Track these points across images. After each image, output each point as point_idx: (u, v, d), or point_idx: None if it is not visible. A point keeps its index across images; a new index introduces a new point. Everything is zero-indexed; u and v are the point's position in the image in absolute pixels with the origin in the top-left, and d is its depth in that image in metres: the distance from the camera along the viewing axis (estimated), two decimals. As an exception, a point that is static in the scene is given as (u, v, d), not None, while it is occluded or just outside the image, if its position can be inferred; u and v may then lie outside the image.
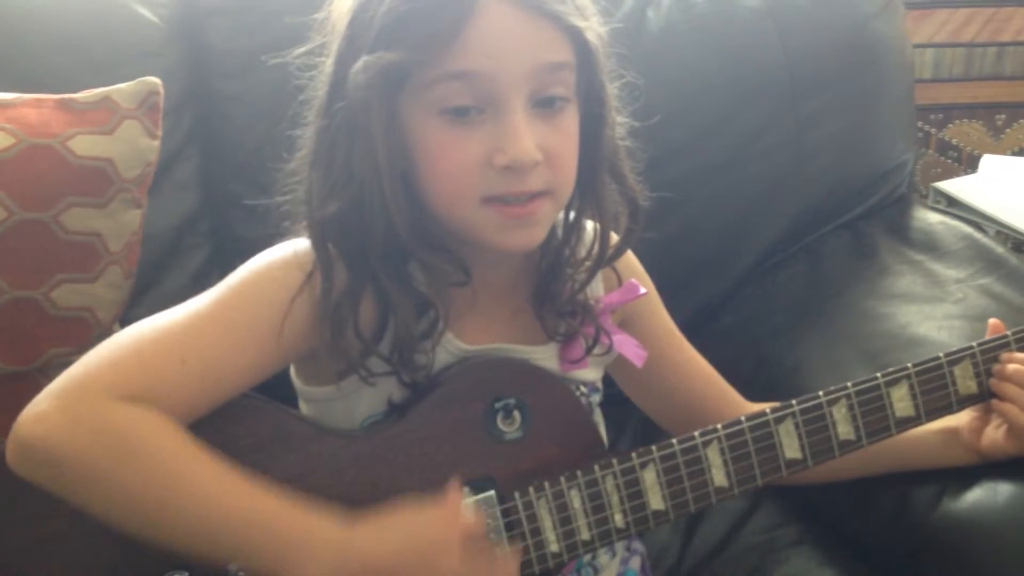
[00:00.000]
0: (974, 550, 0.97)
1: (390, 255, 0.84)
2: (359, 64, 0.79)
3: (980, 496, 0.98)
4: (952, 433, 0.99)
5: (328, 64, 0.84)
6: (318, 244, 0.84)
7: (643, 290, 0.96)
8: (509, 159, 0.79)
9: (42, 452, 0.75)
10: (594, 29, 0.83)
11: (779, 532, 1.19)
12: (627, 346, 0.94)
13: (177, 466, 0.76)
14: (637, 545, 1.02)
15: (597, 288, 0.96)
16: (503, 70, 0.79)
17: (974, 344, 0.97)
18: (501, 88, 0.79)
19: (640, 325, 0.99)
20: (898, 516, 1.04)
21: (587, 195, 0.89)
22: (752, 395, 1.06)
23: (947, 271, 1.33)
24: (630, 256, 0.98)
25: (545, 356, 0.92)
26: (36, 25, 1.22)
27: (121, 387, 0.76)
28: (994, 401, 0.96)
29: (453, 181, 0.81)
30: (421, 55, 0.78)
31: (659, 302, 1.03)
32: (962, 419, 0.99)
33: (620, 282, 0.96)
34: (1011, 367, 0.95)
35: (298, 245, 0.85)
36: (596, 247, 0.91)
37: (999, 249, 1.35)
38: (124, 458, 0.75)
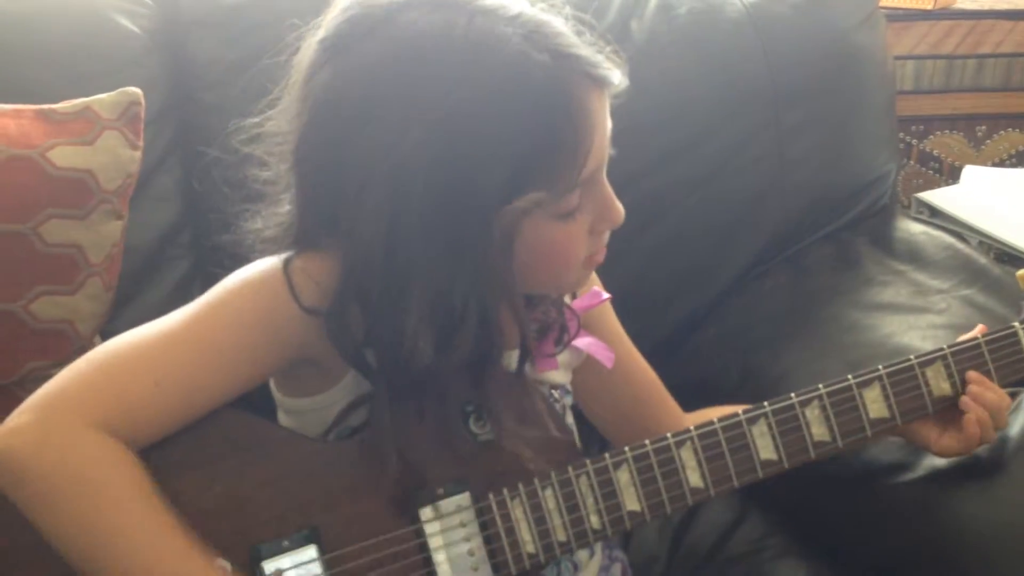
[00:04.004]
0: (964, 559, 0.97)
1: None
2: (509, 208, 0.79)
3: (969, 505, 0.98)
4: None
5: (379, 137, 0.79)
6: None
7: (606, 295, 0.98)
8: (613, 225, 0.86)
9: (8, 464, 0.77)
10: None
11: (766, 543, 1.19)
12: (596, 347, 0.95)
13: (124, 511, 0.77)
14: (618, 553, 1.02)
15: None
16: (603, 162, 0.84)
17: (945, 347, 0.97)
18: (600, 174, 0.84)
19: (594, 330, 0.99)
20: (885, 526, 1.04)
21: None
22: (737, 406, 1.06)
23: (930, 281, 1.33)
24: None
25: (517, 357, 0.92)
26: (15, 35, 1.21)
27: (96, 411, 0.78)
28: (966, 417, 0.96)
29: (569, 264, 0.86)
30: (560, 188, 0.81)
31: (611, 309, 1.04)
32: None
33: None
34: (991, 395, 0.96)
35: (273, 263, 0.85)
36: None
37: (982, 259, 1.36)
38: (80, 490, 0.77)
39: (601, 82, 0.82)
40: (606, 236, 0.88)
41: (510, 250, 0.81)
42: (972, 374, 0.97)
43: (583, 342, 0.94)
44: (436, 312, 0.79)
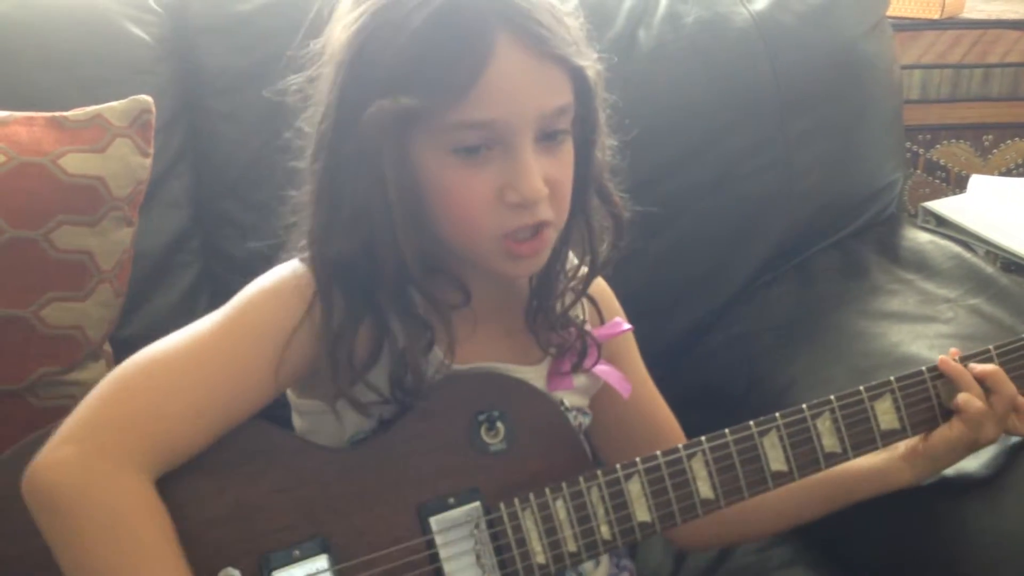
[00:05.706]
0: (969, 569, 0.97)
1: (393, 286, 0.85)
2: (373, 108, 0.80)
3: (976, 514, 0.98)
4: (889, 453, 0.98)
5: (328, 97, 0.83)
6: (322, 282, 0.84)
7: (627, 325, 0.97)
8: (521, 197, 0.81)
9: (49, 498, 0.77)
10: (594, 66, 0.85)
11: (772, 552, 1.19)
12: (613, 376, 0.96)
13: (147, 567, 0.77)
14: (627, 562, 1.01)
15: (578, 316, 0.97)
16: (516, 116, 0.80)
17: (956, 359, 0.97)
18: (513, 131, 0.81)
19: (614, 362, 0.99)
20: (890, 537, 1.04)
21: (577, 214, 0.90)
22: (744, 413, 1.05)
23: (938, 290, 1.33)
24: (610, 294, 1.01)
25: (534, 376, 0.93)
26: (27, 43, 1.22)
27: (138, 450, 0.78)
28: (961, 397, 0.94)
29: (468, 218, 0.83)
30: (438, 102, 0.79)
31: (635, 345, 1.04)
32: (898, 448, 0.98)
33: (600, 314, 0.98)
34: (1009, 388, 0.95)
35: (296, 270, 0.86)
36: (587, 260, 0.93)
37: (989, 269, 1.36)
38: (112, 536, 0.76)
39: (516, 29, 0.79)
40: (528, 217, 0.83)
41: (404, 167, 0.81)
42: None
43: (601, 369, 0.95)
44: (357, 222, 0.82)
